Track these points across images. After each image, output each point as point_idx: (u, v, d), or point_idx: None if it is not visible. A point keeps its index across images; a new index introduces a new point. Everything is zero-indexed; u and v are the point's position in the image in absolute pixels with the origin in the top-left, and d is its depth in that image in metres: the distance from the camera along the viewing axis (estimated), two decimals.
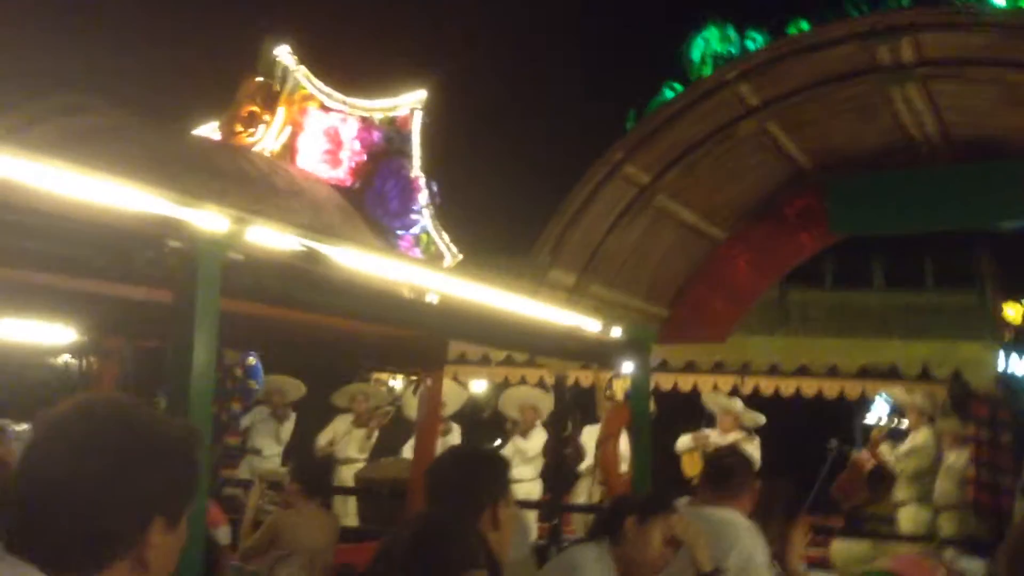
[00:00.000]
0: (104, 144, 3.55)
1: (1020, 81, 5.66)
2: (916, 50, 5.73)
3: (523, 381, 9.55)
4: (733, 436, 8.52)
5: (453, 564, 1.59)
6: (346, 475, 8.81)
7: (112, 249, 2.42)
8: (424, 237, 5.99)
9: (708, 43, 6.36)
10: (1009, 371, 7.49)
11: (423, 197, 5.89)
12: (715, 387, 9.48)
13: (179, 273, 2.41)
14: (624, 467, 7.33)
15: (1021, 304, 13.61)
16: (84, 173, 2.28)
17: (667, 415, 9.11)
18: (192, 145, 5.05)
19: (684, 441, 8.93)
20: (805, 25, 5.97)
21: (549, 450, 8.33)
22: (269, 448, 8.95)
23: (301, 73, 5.96)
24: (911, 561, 5.69)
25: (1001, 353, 7.80)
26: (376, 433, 9.19)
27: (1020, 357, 10.89)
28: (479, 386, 11.26)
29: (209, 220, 2.45)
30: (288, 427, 9.12)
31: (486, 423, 11.44)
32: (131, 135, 4.20)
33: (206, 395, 2.40)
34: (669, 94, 6.46)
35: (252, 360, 8.49)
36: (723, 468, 3.80)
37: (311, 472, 5.59)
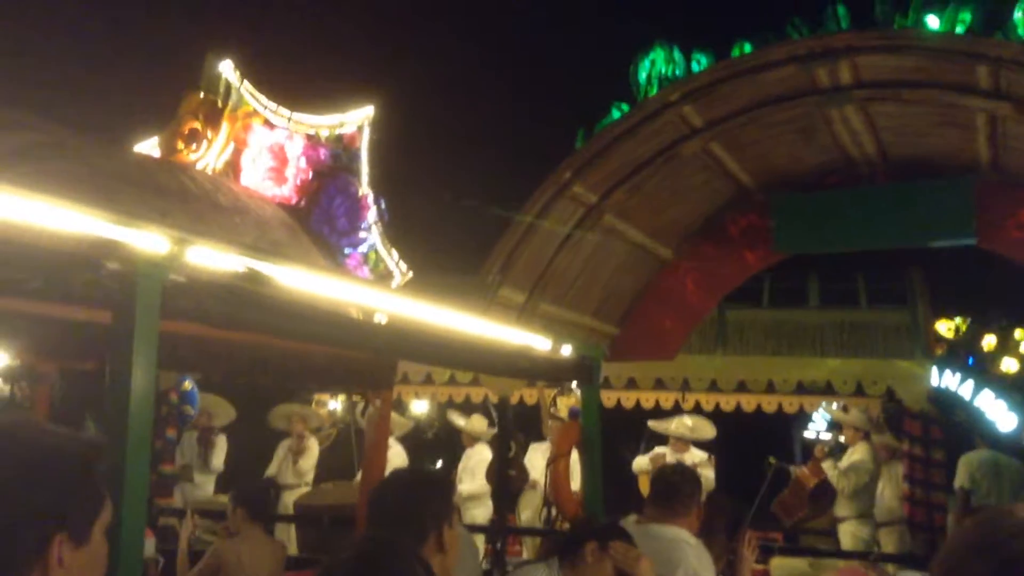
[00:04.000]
0: (44, 161, 3.45)
1: (952, 102, 5.83)
2: (853, 72, 5.86)
3: (467, 400, 9.51)
4: (689, 457, 8.49)
5: None
6: (285, 501, 8.63)
7: (49, 270, 2.35)
8: (372, 255, 5.93)
9: (655, 64, 6.42)
10: (941, 387, 7.66)
11: (371, 215, 5.84)
12: (657, 404, 9.55)
13: (118, 296, 2.35)
14: (574, 486, 7.30)
15: (952, 321, 13.97)
16: (19, 195, 2.20)
17: (610, 433, 9.09)
18: (133, 163, 4.92)
19: (641, 462, 8.91)
20: (748, 48, 6.06)
21: (495, 471, 8.27)
22: (199, 476, 8.71)
23: (245, 89, 5.87)
24: (853, 573, 5.81)
25: (934, 370, 8.01)
26: (306, 457, 8.97)
27: (952, 374, 11.15)
28: (420, 407, 11.17)
29: (149, 241, 2.38)
30: (218, 453, 8.83)
31: (429, 443, 11.34)
32: (71, 152, 4.09)
33: (146, 420, 2.33)
34: (616, 114, 6.51)
35: (188, 385, 8.29)
36: (669, 486, 3.83)
37: (254, 495, 5.46)
